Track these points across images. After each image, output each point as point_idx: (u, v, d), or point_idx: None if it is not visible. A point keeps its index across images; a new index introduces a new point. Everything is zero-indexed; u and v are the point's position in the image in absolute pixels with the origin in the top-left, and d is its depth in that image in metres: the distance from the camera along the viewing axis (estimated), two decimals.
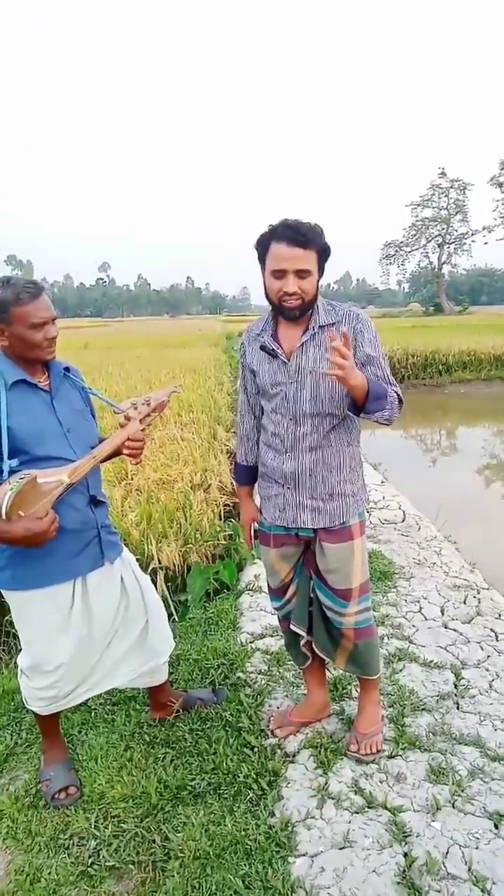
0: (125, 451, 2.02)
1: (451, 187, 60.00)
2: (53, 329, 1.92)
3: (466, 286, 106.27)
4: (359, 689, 2.34)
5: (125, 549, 2.27)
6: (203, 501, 4.68)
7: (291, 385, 1.97)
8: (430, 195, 61.26)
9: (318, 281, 1.91)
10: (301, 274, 1.85)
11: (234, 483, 2.38)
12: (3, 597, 3.42)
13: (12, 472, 1.84)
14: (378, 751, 2.21)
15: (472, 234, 60.81)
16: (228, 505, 5.03)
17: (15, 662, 3.22)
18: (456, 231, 61.38)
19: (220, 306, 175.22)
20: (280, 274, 1.86)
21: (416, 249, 63.71)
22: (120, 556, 2.20)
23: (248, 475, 2.29)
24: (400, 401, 1.93)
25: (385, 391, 1.85)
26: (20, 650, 2.16)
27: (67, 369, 2.11)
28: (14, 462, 1.86)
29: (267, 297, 1.95)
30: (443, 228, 61.52)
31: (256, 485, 2.25)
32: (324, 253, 1.90)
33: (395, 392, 1.91)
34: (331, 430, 2.00)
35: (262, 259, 1.93)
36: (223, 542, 4.30)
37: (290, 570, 2.20)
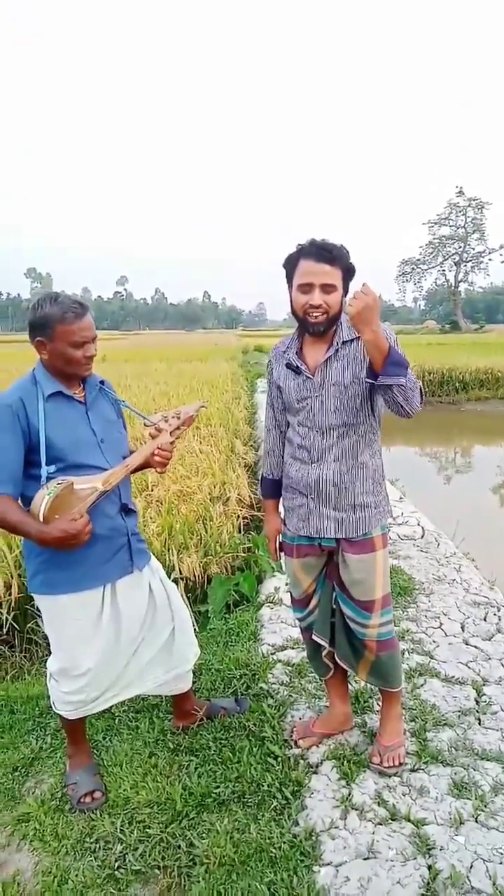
0: (155, 460, 2.08)
1: (469, 206, 60.28)
2: (93, 347, 2.00)
3: (483, 304, 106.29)
4: (381, 703, 2.36)
5: (153, 557, 2.32)
6: (222, 514, 4.72)
7: (317, 399, 2.03)
8: (447, 213, 61.58)
9: (342, 298, 1.97)
10: (326, 288, 1.91)
11: (261, 496, 2.43)
12: (27, 603, 3.52)
13: (49, 478, 1.91)
14: (401, 763, 2.23)
15: (490, 253, 61.03)
16: (247, 518, 5.07)
17: (37, 669, 3.27)
18: (473, 249, 61.66)
19: (237, 321, 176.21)
20: (307, 288, 1.92)
21: (433, 267, 63.97)
22: (148, 564, 2.25)
23: (274, 488, 2.34)
24: (420, 392, 1.91)
25: (406, 361, 1.84)
26: (43, 657, 2.20)
27: (102, 382, 2.18)
28: (51, 469, 1.93)
29: (294, 312, 2.01)
30: (460, 247, 61.75)
31: (282, 497, 2.30)
32: (348, 272, 1.96)
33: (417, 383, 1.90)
34: (355, 443, 2.06)
35: (289, 277, 1.99)
36: (243, 554, 4.34)
37: (312, 581, 2.24)
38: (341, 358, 2.01)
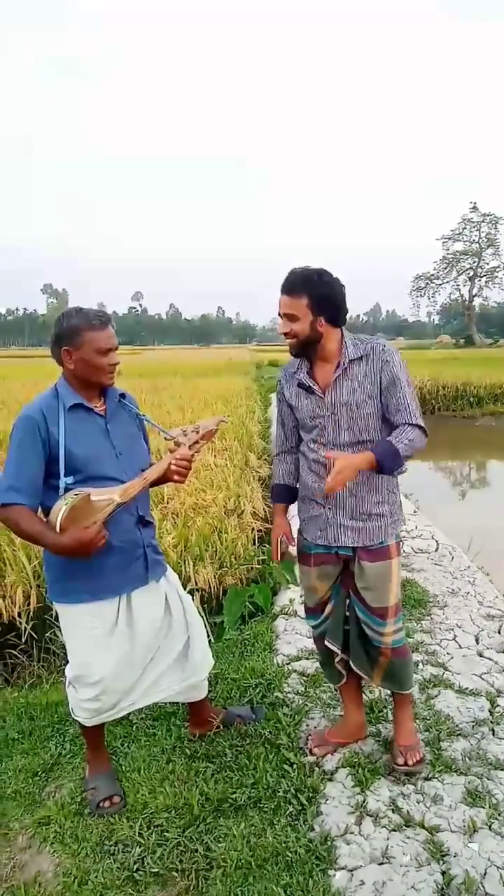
0: (173, 467, 2.12)
1: (483, 221, 60.41)
2: (115, 356, 2.07)
3: (497, 319, 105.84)
4: (394, 708, 2.39)
5: (169, 568, 2.37)
6: (237, 527, 4.77)
7: (329, 418, 2.11)
8: (461, 229, 61.73)
9: (313, 323, 2.02)
10: (289, 317, 2.03)
11: (271, 500, 2.49)
12: (45, 613, 3.58)
13: (68, 488, 1.97)
14: (422, 758, 2.27)
15: None
16: (261, 530, 5.11)
17: (55, 678, 3.33)
18: (487, 264, 61.71)
19: (250, 336, 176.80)
20: (280, 317, 2.07)
21: (447, 282, 64.00)
22: (165, 576, 2.29)
23: (283, 493, 2.39)
24: (422, 430, 2.02)
25: (393, 448, 1.95)
26: (60, 666, 2.25)
27: (123, 395, 2.25)
28: (69, 480, 1.99)
29: None
30: (474, 262, 61.81)
31: (298, 508, 2.35)
32: (316, 298, 2.00)
33: (415, 423, 2.01)
34: None
35: None
36: (257, 566, 4.38)
37: (328, 589, 2.29)
38: (351, 377, 2.07)
